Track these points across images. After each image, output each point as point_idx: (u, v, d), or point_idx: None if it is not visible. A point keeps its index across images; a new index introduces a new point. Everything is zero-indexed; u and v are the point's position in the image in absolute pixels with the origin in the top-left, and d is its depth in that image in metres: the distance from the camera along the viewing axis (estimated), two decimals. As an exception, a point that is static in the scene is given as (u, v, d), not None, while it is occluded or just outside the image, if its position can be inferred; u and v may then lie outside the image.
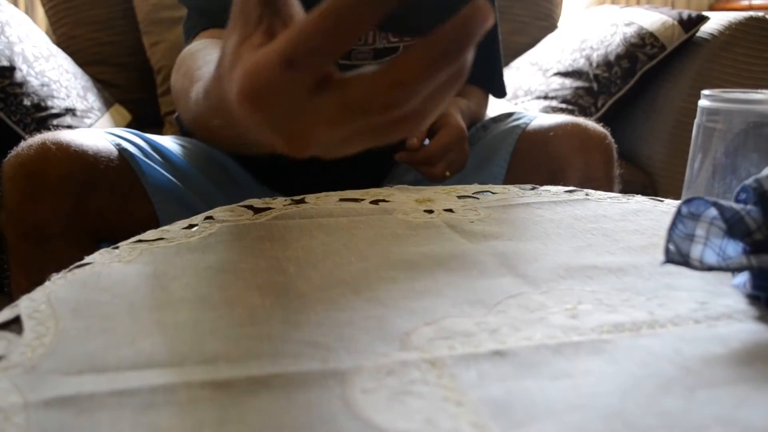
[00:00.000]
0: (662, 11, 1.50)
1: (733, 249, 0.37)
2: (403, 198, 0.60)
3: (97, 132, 0.71)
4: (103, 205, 0.67)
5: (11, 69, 1.17)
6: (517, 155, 0.85)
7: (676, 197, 0.63)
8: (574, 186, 0.65)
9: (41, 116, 1.20)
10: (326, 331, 0.34)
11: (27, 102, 1.18)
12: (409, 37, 0.83)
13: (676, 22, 1.42)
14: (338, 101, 0.26)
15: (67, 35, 1.62)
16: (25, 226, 0.65)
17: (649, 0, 2.20)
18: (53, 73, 1.30)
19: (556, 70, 1.58)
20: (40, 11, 1.76)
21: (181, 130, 0.91)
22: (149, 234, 0.48)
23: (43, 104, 1.21)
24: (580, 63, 1.53)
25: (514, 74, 1.70)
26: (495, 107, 1.29)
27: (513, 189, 0.64)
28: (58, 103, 1.25)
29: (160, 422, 0.26)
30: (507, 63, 1.73)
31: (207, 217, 0.53)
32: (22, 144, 0.66)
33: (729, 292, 0.40)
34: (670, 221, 0.37)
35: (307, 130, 0.28)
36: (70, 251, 0.59)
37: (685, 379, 0.30)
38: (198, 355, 0.31)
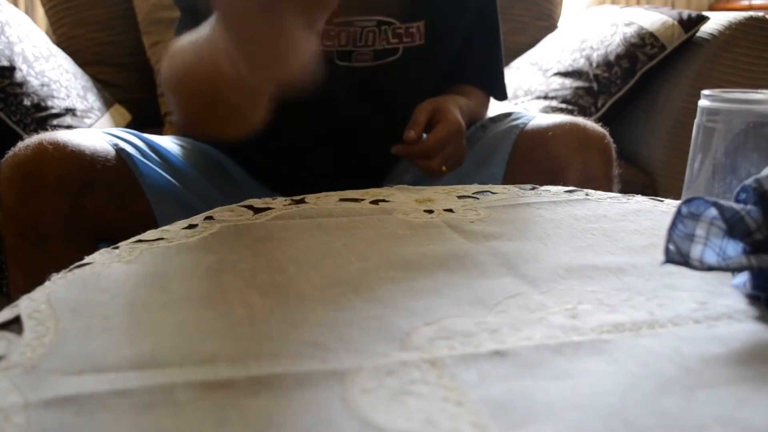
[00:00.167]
0: (662, 11, 1.50)
1: (733, 249, 0.37)
2: (403, 198, 0.60)
3: (95, 132, 0.71)
4: (100, 205, 0.67)
5: (11, 69, 1.17)
6: (516, 155, 0.85)
7: (676, 197, 0.63)
8: (573, 186, 0.65)
9: (41, 116, 1.20)
10: (326, 331, 0.34)
11: (27, 102, 1.18)
12: (410, 23, 0.82)
13: (676, 22, 1.42)
14: None
15: (67, 35, 1.62)
16: (23, 226, 0.65)
17: (649, 0, 2.19)
18: (53, 73, 1.30)
19: (556, 70, 1.58)
20: (40, 11, 1.76)
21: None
22: (149, 234, 0.48)
23: (43, 104, 1.21)
24: (580, 63, 1.53)
25: (514, 74, 1.70)
26: (495, 107, 1.28)
27: (513, 189, 0.64)
28: (58, 103, 1.25)
29: (160, 422, 0.26)
30: (507, 63, 1.73)
31: (207, 217, 0.53)
32: (19, 144, 0.66)
33: (729, 292, 0.40)
34: (670, 221, 0.37)
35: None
36: (67, 251, 0.59)
37: (685, 379, 0.30)
38: (198, 355, 0.31)
